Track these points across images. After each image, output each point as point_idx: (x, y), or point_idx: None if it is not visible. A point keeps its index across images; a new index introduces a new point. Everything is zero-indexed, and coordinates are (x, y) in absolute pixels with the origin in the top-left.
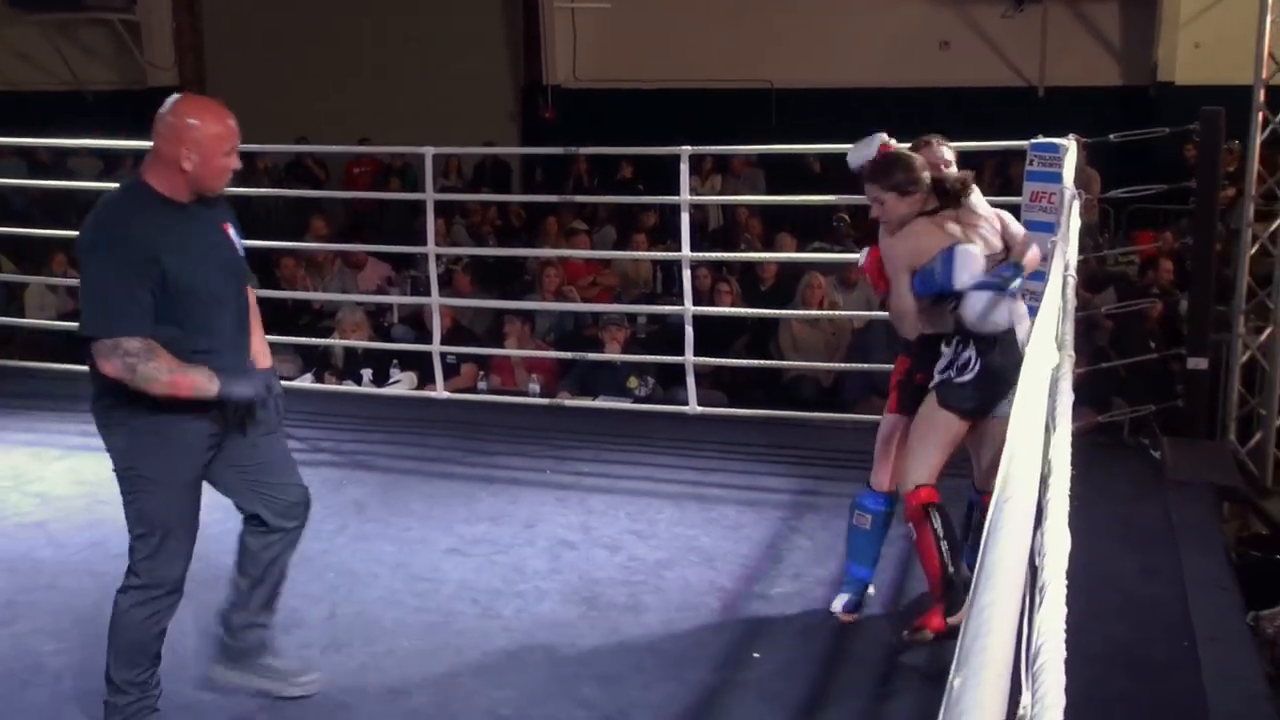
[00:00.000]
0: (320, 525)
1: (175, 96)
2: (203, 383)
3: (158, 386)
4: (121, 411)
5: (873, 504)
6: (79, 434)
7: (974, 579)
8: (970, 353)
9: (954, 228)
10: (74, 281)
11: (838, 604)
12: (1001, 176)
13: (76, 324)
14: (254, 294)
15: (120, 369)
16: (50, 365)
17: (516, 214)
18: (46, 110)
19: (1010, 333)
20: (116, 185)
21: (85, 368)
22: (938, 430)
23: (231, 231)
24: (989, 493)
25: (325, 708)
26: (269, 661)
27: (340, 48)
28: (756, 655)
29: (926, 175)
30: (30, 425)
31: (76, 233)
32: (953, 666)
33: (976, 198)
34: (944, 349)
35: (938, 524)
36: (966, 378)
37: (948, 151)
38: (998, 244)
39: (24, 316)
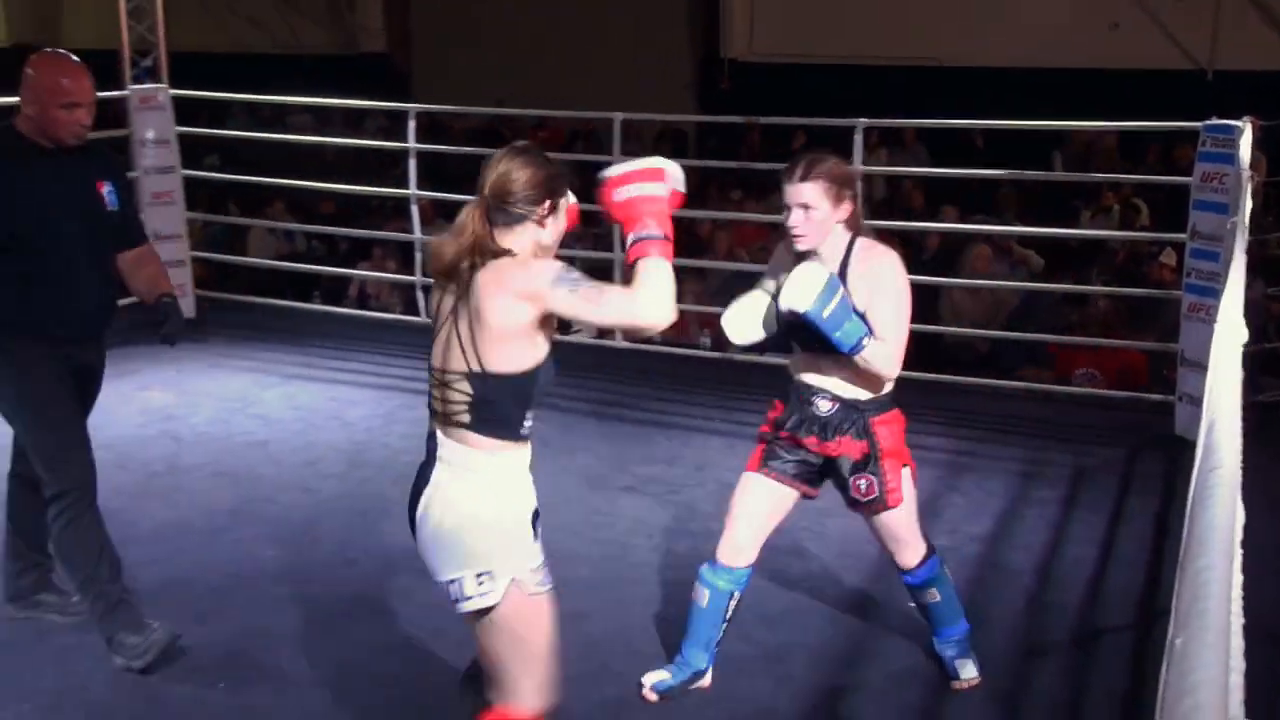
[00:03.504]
0: None
1: (41, 51)
2: None
3: None
4: None
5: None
6: (296, 364)
7: (1183, 543)
8: None
9: None
10: (293, 225)
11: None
12: (1166, 159)
13: (295, 264)
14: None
15: None
16: (270, 300)
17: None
18: (270, 71)
19: None
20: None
21: (302, 304)
22: None
23: (105, 188)
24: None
25: None
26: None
27: (538, 16)
28: (912, 605)
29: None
30: (252, 354)
31: (293, 182)
32: (1170, 629)
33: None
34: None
35: None
36: None
37: None
38: None
39: (246, 256)
